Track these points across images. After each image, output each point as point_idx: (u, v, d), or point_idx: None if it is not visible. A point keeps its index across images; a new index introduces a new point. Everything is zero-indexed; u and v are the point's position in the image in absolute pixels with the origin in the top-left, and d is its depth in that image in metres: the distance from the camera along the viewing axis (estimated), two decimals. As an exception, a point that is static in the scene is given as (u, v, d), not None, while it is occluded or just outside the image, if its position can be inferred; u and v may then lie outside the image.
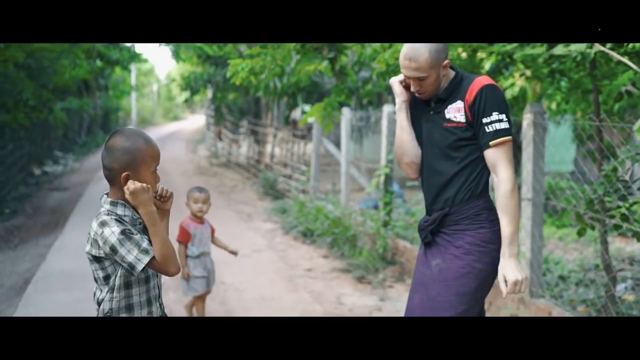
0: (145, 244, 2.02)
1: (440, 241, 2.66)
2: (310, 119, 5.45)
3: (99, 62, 17.39)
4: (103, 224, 2.02)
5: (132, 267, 2.01)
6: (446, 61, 2.58)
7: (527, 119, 4.51)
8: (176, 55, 18.12)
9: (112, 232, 1.99)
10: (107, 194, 2.14)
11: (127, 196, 2.04)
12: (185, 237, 4.31)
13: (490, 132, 2.52)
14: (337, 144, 11.26)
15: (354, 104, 11.01)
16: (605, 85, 4.81)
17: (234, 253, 4.53)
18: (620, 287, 4.92)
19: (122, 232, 2.00)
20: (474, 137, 2.58)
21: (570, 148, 10.31)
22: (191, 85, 16.14)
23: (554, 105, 7.71)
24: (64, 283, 5.65)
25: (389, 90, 8.67)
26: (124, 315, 2.09)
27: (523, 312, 4.51)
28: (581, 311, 4.40)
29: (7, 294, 5.62)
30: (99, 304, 2.11)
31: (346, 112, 8.54)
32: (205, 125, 24.90)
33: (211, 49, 15.22)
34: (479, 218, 2.60)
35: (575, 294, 4.79)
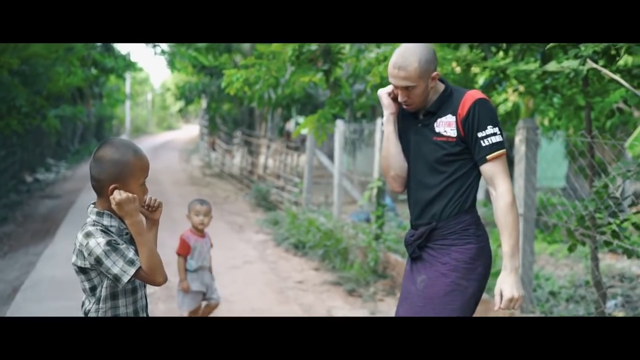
0: (131, 255, 2.00)
1: (426, 257, 2.63)
2: (304, 130, 5.45)
3: (93, 70, 17.36)
4: (88, 235, 2.00)
5: (117, 279, 1.99)
6: (435, 72, 2.55)
7: (519, 134, 4.52)
8: (171, 65, 18.14)
9: (98, 244, 1.97)
10: (94, 203, 2.12)
11: (113, 206, 2.02)
12: (185, 250, 4.28)
13: (486, 146, 2.50)
14: (331, 156, 11.28)
15: (347, 116, 11.02)
16: (597, 102, 4.84)
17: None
18: (610, 303, 4.93)
19: (108, 243, 1.98)
20: (463, 152, 2.56)
21: (563, 164, 10.37)
22: (186, 95, 16.13)
23: (546, 121, 7.77)
24: (53, 291, 5.61)
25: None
26: (110, 325, 2.07)
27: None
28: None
29: (-5, 301, 5.58)
30: (86, 314, 2.09)
31: (340, 124, 8.56)
32: (199, 135, 24.87)
33: (206, 58, 15.23)
34: (467, 233, 2.58)
35: (565, 310, 4.79)
